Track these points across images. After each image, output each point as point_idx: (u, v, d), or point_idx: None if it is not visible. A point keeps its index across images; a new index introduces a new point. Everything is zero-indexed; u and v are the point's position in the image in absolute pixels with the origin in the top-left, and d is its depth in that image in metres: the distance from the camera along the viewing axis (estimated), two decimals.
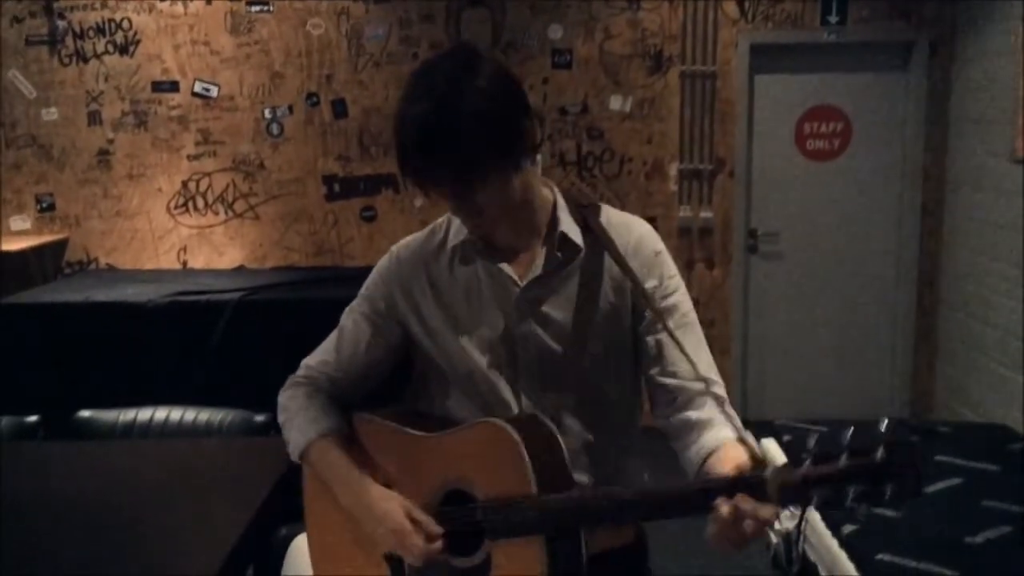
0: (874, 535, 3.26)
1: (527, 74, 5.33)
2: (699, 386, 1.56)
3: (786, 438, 4.21)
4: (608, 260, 1.58)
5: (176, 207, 5.59)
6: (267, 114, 5.50)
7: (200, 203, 5.59)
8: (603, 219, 1.62)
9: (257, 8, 5.42)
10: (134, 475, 2.64)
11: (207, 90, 5.48)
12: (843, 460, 1.22)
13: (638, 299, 1.59)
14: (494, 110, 1.42)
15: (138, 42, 5.43)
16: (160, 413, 3.08)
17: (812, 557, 3.59)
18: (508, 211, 1.53)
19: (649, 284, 1.59)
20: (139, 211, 5.57)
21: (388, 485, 1.63)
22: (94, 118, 5.49)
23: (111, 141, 5.51)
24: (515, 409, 1.61)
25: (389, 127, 5.64)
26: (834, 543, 3.36)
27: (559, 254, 1.58)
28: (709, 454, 1.49)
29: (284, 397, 1.74)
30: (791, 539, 3.80)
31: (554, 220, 1.59)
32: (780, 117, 5.47)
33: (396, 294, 1.67)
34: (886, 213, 5.51)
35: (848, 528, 3.33)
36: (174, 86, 5.48)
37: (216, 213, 5.59)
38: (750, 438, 1.50)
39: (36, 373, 4.17)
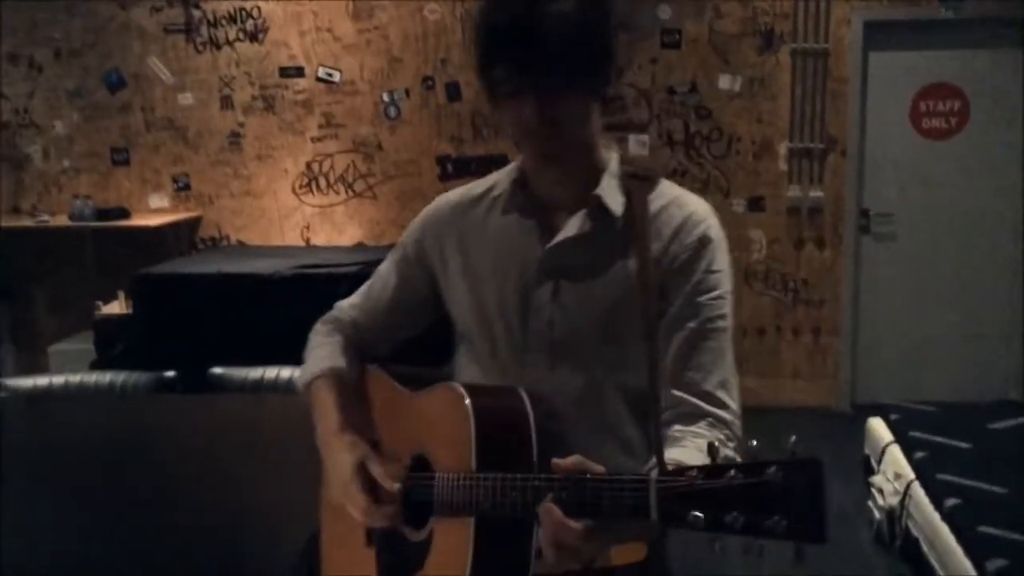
0: (977, 509, 3.25)
1: (636, 54, 5.39)
2: (695, 403, 1.39)
3: (894, 416, 4.20)
4: (651, 240, 1.42)
5: (300, 187, 5.87)
6: (385, 97, 5.71)
7: (322, 183, 5.85)
8: (654, 194, 1.46)
9: None
10: (259, 424, 2.87)
11: (330, 75, 5.73)
12: (729, 476, 1.02)
13: (668, 288, 1.42)
14: (598, 20, 1.38)
15: (267, 30, 5.72)
16: (284, 371, 3.30)
17: (914, 532, 3.59)
18: (576, 140, 1.41)
19: (684, 275, 1.42)
20: (267, 191, 5.88)
21: (376, 442, 1.56)
22: (226, 102, 5.81)
23: (241, 124, 5.82)
24: (516, 381, 1.46)
25: None
26: (936, 516, 3.37)
27: (591, 221, 1.44)
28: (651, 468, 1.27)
29: (311, 335, 1.72)
30: (894, 515, 3.79)
31: (597, 183, 1.45)
32: (895, 95, 5.39)
33: (427, 239, 1.59)
34: (1004, 193, 5.36)
35: (951, 502, 3.33)
36: (300, 71, 5.75)
37: (337, 193, 5.85)
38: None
39: (173, 335, 4.50)
